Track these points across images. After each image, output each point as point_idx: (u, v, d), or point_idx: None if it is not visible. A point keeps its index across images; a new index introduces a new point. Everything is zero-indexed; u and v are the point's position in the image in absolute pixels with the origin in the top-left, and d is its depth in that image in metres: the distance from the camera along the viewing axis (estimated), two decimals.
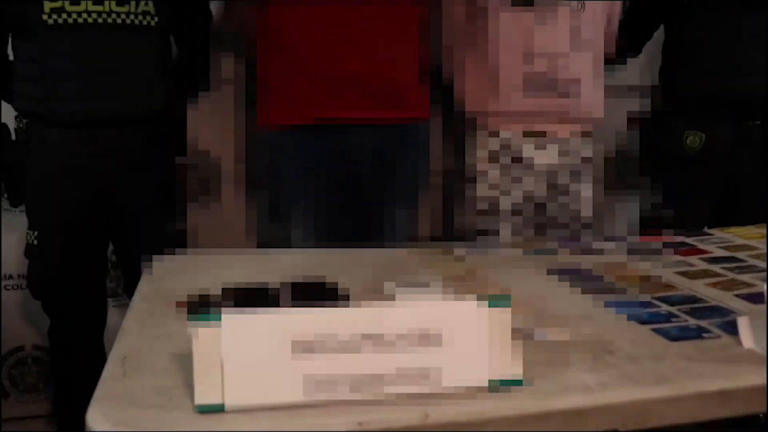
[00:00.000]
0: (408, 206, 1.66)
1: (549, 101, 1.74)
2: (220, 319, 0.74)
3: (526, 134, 1.76)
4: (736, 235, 1.56)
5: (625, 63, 2.08)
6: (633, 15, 1.98)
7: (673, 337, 0.96)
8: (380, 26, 1.55)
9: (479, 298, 0.78)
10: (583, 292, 1.14)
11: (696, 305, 1.10)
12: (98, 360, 1.75)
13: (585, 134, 1.83)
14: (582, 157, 1.83)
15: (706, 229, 1.62)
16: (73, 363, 1.74)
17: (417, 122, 1.64)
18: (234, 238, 1.73)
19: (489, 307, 0.77)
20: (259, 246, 1.67)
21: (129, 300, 1.89)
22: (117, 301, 2.10)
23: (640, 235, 1.59)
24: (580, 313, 1.04)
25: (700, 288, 1.19)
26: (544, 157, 1.77)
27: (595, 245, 1.46)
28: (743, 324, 0.94)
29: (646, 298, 1.12)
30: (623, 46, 1.96)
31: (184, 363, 0.81)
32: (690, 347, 0.92)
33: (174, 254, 1.32)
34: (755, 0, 1.87)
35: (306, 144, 1.58)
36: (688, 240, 1.51)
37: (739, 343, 0.93)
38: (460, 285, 1.13)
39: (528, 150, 1.77)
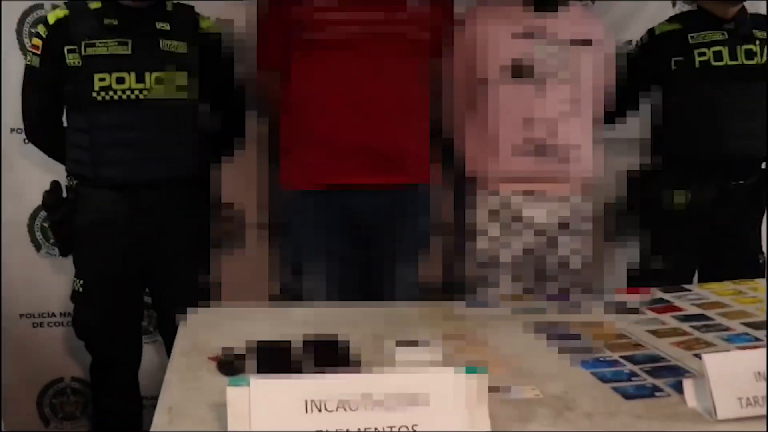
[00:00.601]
0: (412, 261, 1.85)
1: (548, 165, 1.93)
2: (249, 383, 0.94)
3: (526, 194, 1.95)
4: (712, 291, 1.73)
5: (625, 118, 2.26)
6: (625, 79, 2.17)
7: (629, 395, 1.15)
8: (386, 102, 1.76)
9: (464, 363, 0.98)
10: (560, 351, 1.33)
11: (656, 364, 1.28)
12: (134, 392, 1.98)
13: (585, 195, 2.02)
14: (581, 215, 2.02)
15: (696, 283, 1.79)
16: (112, 395, 1.96)
17: (420, 186, 1.84)
18: (257, 286, 1.94)
19: (465, 374, 0.96)
20: (281, 292, 1.88)
21: (160, 337, 2.13)
22: (149, 338, 2.31)
23: (628, 288, 1.77)
24: (552, 371, 1.22)
25: (665, 347, 1.37)
26: (543, 214, 1.96)
27: (581, 302, 1.64)
28: (688, 385, 1.13)
29: (613, 357, 1.30)
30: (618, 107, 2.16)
31: (220, 413, 1.01)
32: (641, 405, 1.11)
33: (207, 305, 1.53)
34: (733, 71, 2.07)
35: (320, 205, 1.80)
36: (667, 296, 1.69)
37: (685, 401, 1.11)
38: (455, 343, 1.32)
39: (527, 208, 1.95)
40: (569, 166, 1.94)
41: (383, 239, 1.84)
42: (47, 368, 2.35)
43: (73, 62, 1.73)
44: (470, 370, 0.97)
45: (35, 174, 2.15)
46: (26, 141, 2.08)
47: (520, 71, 1.91)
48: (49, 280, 2.28)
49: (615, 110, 2.14)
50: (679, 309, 1.60)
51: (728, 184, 2.10)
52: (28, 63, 1.83)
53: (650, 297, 1.67)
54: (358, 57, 1.75)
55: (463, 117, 1.98)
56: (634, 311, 1.57)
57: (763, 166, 2.17)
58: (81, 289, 1.83)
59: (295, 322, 1.42)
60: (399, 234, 1.84)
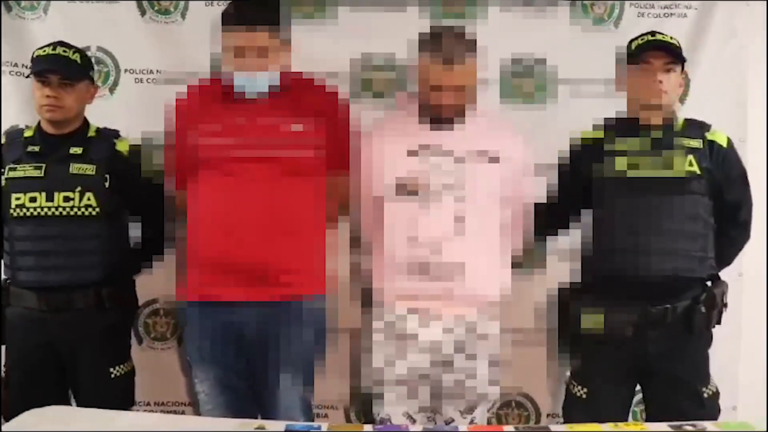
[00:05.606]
0: (293, 372, 2.03)
1: (430, 284, 2.03)
2: None
3: (412, 311, 2.07)
4: None
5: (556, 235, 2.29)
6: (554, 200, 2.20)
7: None
8: (261, 221, 1.97)
9: None
10: None
11: None
12: None
13: (485, 313, 2.08)
14: (478, 334, 2.09)
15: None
16: None
17: (299, 299, 2.02)
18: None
19: None
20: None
21: None
22: None
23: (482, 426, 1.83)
24: None
25: None
26: (429, 333, 2.06)
27: None
28: None
29: None
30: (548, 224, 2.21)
31: None
32: None
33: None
34: (650, 183, 2.03)
35: (205, 316, 2.04)
36: None
37: None
38: None
39: (414, 326, 2.07)
40: (454, 284, 2.03)
41: (263, 350, 2.04)
42: None
43: (2, 183, 2.14)
44: None
45: None
46: None
47: (405, 189, 2.06)
48: None
49: (545, 226, 2.21)
50: None
51: (650, 307, 2.04)
52: None
53: None
54: (236, 179, 1.99)
55: (370, 231, 2.15)
56: None
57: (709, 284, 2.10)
58: (4, 375, 2.19)
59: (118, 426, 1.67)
60: (278, 345, 2.04)
